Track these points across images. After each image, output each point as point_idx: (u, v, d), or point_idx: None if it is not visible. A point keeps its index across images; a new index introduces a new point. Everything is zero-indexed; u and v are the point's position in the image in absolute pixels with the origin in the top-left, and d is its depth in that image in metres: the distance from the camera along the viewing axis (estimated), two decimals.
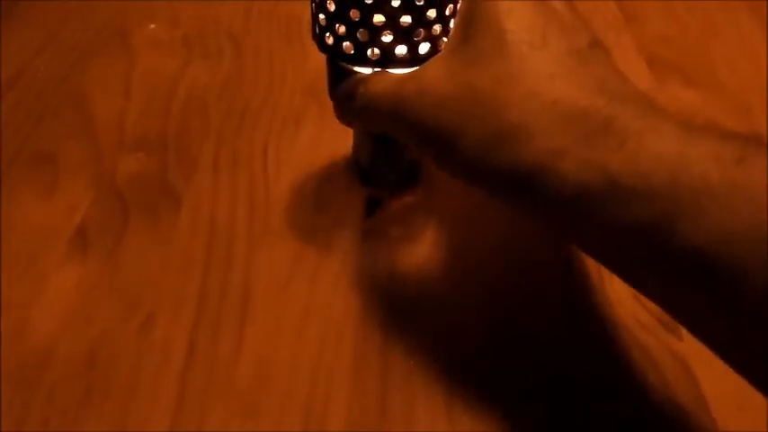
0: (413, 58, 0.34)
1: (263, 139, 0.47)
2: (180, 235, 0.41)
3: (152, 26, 0.58)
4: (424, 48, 0.34)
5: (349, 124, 0.37)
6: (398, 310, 0.37)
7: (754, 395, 0.25)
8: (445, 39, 0.34)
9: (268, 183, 0.44)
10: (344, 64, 0.35)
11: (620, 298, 0.37)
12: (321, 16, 0.35)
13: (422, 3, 0.33)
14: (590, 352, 0.35)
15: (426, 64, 0.32)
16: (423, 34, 0.34)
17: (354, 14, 0.33)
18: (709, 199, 0.23)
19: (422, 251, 0.40)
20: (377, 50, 0.34)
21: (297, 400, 0.33)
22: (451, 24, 0.34)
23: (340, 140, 0.43)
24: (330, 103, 0.37)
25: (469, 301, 0.37)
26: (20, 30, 0.57)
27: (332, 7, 0.34)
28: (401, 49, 0.34)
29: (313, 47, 0.35)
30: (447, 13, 0.34)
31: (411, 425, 0.32)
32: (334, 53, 0.35)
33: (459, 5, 0.34)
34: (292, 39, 0.56)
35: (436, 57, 0.32)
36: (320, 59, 0.38)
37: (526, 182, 0.28)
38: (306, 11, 0.36)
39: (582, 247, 0.29)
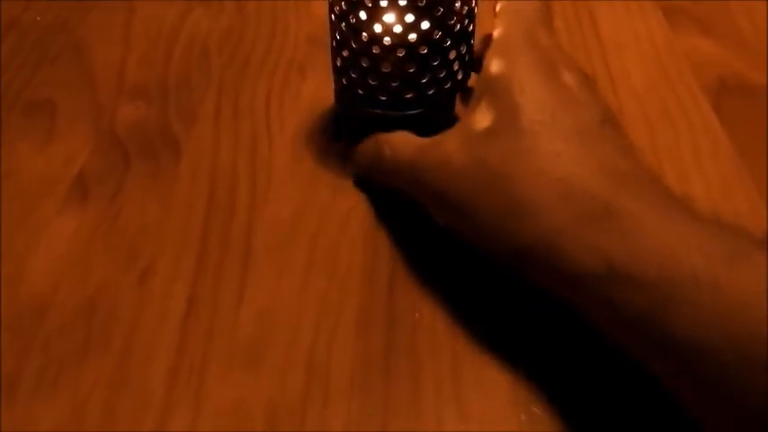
0: (420, 101, 0.37)
1: (266, 87, 0.46)
2: (181, 184, 0.40)
3: None
4: (429, 91, 0.37)
5: (368, 178, 0.39)
6: (404, 263, 0.36)
7: None
8: (450, 82, 0.37)
9: (271, 132, 0.43)
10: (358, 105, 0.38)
11: None
12: (338, 60, 0.38)
13: (425, 52, 0.36)
14: None
15: (446, 135, 0.34)
16: (428, 79, 0.36)
17: (365, 63, 0.36)
18: (697, 293, 0.25)
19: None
20: (387, 94, 0.37)
21: (299, 353, 0.32)
22: (456, 67, 0.37)
23: None
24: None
25: (477, 255, 0.36)
26: None
27: (345, 53, 0.37)
28: (409, 93, 0.37)
29: None
30: (451, 57, 0.37)
31: (415, 378, 0.31)
32: (348, 95, 0.38)
33: (469, 47, 0.37)
34: None
35: (455, 128, 0.34)
36: (324, 7, 0.38)
37: (529, 255, 0.30)
38: None
39: (583, 318, 0.30)
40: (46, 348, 0.32)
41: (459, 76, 0.38)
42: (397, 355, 0.32)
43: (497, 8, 0.38)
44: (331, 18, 0.37)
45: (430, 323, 0.33)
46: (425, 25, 0.35)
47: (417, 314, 0.34)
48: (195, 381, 0.31)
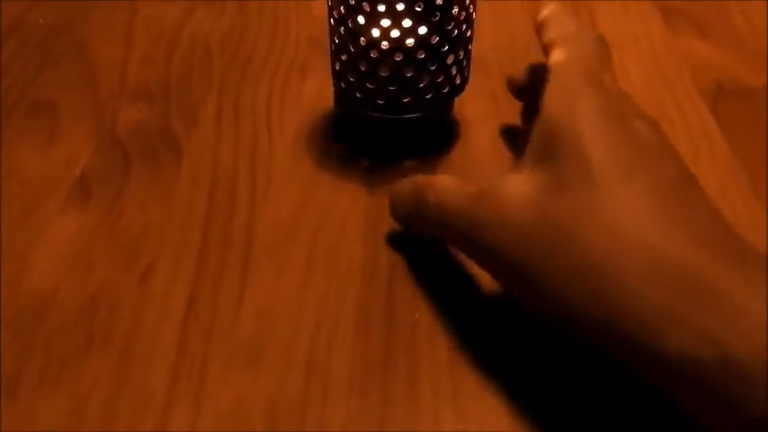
0: (418, 105, 0.37)
1: (267, 87, 0.46)
2: (181, 185, 0.40)
3: None
4: (427, 95, 0.37)
5: (404, 225, 0.36)
6: (404, 263, 0.36)
7: None
8: (448, 86, 0.37)
9: (271, 133, 0.43)
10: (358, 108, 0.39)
11: None
12: (336, 64, 0.38)
13: (423, 56, 0.36)
14: None
15: (502, 184, 0.30)
16: (426, 83, 0.37)
17: (363, 66, 0.36)
18: None
19: None
20: (384, 98, 0.37)
21: (299, 353, 0.32)
22: (454, 72, 0.37)
23: None
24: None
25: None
26: None
27: (344, 57, 0.37)
28: (406, 97, 0.37)
29: None
30: (449, 62, 0.37)
31: (414, 378, 0.32)
32: (347, 98, 0.39)
33: (470, 50, 0.37)
34: None
35: (512, 176, 0.30)
36: (325, 8, 0.38)
37: (610, 328, 0.26)
38: None
39: (671, 395, 0.26)
40: (47, 348, 0.32)
41: (457, 81, 0.38)
42: (396, 354, 0.32)
43: (544, 14, 0.36)
44: (330, 22, 0.37)
45: (429, 323, 0.34)
46: (423, 30, 0.35)
47: (417, 314, 0.34)
48: (195, 380, 0.31)
